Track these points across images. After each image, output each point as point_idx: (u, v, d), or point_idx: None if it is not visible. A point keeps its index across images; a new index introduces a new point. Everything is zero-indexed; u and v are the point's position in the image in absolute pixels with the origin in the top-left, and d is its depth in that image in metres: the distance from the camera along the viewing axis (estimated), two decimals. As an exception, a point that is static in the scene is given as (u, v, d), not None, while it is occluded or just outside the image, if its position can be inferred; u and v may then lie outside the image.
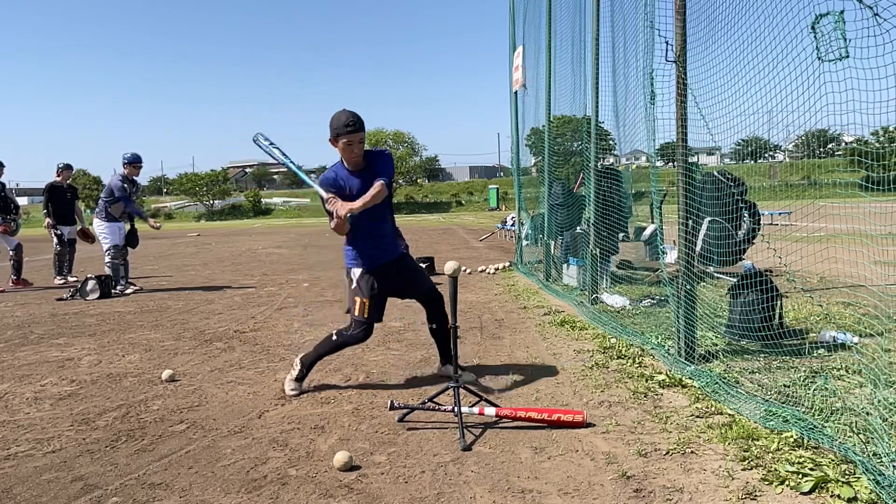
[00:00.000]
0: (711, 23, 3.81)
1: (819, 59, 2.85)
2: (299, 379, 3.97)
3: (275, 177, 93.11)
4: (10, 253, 9.66)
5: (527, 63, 8.85)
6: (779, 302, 4.45)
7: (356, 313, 3.89)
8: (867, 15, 2.55)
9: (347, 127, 3.67)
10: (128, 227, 9.03)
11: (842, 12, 2.78)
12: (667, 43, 4.23)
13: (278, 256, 15.18)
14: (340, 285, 9.20)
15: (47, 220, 9.96)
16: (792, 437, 2.83)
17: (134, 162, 8.89)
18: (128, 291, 8.87)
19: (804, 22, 2.96)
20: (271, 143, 4.04)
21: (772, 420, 3.02)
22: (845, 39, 2.75)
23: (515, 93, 9.81)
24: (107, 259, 8.77)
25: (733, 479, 2.58)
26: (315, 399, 3.87)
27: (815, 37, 2.87)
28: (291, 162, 4.03)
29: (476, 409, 3.37)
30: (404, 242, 9.05)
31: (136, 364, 4.87)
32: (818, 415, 3.03)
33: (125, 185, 8.77)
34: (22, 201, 10.28)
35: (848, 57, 2.73)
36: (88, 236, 10.30)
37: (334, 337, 3.95)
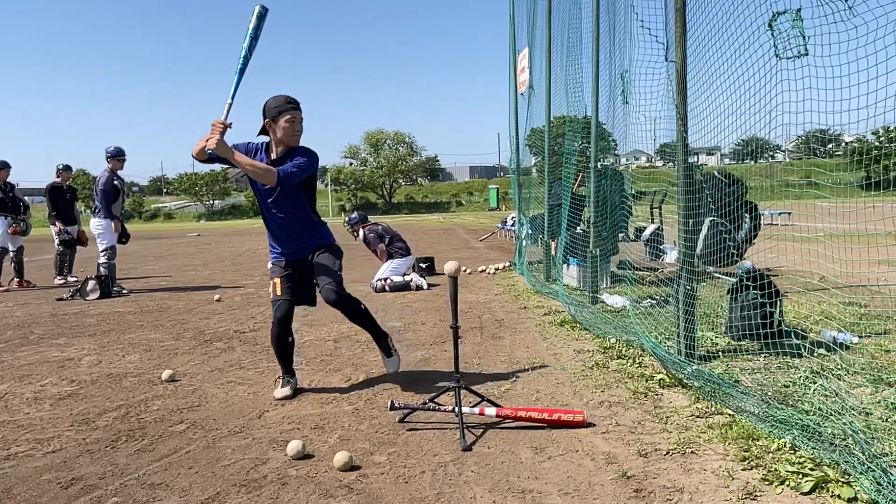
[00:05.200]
0: (709, 21, 3.81)
1: (777, 56, 2.86)
2: (285, 384, 3.95)
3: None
4: (11, 253, 9.66)
5: (533, 65, 8.84)
6: (779, 302, 4.45)
7: (271, 294, 4.02)
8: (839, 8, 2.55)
9: (290, 103, 3.80)
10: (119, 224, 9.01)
11: (799, 10, 2.79)
12: (665, 42, 4.23)
13: (278, 256, 15.16)
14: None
15: (58, 224, 9.96)
16: (789, 442, 2.82)
17: (117, 155, 8.85)
18: (124, 292, 8.85)
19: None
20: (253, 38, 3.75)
21: (770, 420, 3.01)
22: (804, 37, 2.76)
23: (520, 95, 9.80)
24: (103, 259, 8.71)
25: (733, 479, 2.58)
26: (315, 399, 3.87)
27: (772, 34, 2.88)
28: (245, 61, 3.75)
29: (476, 410, 3.37)
30: (404, 246, 9.07)
31: (136, 364, 4.87)
32: (817, 415, 3.03)
33: (115, 182, 8.75)
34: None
35: (807, 55, 2.73)
36: (82, 241, 10.34)
37: (272, 325, 3.97)
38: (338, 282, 3.90)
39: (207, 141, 3.59)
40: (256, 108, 3.91)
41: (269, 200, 3.89)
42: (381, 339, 4.19)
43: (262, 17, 3.78)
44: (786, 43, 2.83)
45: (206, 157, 3.69)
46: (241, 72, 3.73)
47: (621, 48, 5.39)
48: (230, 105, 3.67)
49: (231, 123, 3.64)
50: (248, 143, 3.94)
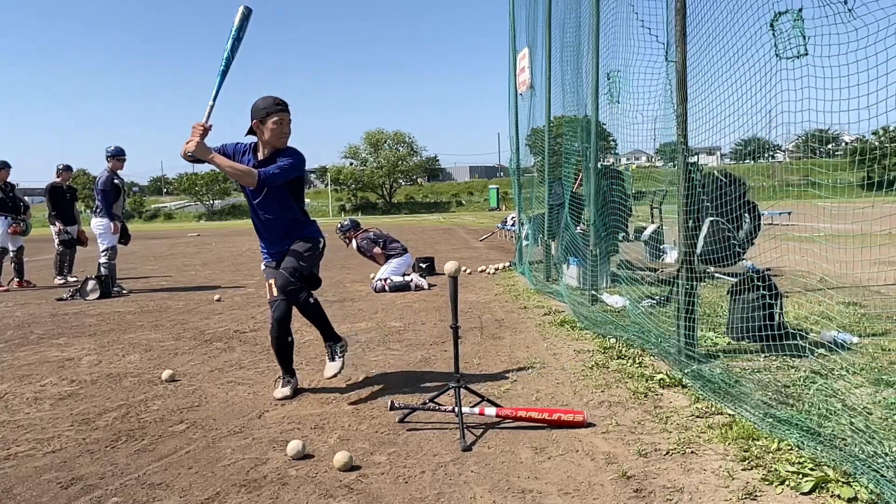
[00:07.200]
0: (709, 21, 3.81)
1: (777, 55, 2.87)
2: (285, 385, 3.96)
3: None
4: (11, 253, 9.66)
5: (534, 64, 8.84)
6: (779, 302, 4.45)
7: (267, 295, 3.99)
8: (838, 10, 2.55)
9: (278, 105, 3.77)
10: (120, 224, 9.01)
11: (800, 10, 2.79)
12: (665, 42, 4.23)
13: (278, 256, 15.15)
14: (339, 285, 9.21)
15: (58, 224, 9.95)
16: (789, 442, 2.82)
17: (118, 155, 8.86)
18: (124, 292, 8.85)
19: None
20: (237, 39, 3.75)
21: (770, 420, 3.01)
22: (804, 37, 2.76)
23: (520, 95, 9.79)
24: (103, 259, 8.70)
25: (733, 479, 2.58)
26: (315, 399, 3.87)
27: (773, 34, 2.88)
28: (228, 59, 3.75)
29: (476, 410, 3.37)
30: (399, 246, 9.08)
31: (136, 364, 4.87)
32: (817, 415, 3.03)
33: (116, 182, 8.76)
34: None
35: (807, 55, 2.74)
36: (82, 241, 10.34)
37: (270, 326, 3.96)
38: (294, 269, 3.82)
39: (187, 143, 3.59)
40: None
41: (256, 202, 3.88)
42: (329, 341, 4.05)
43: (245, 18, 3.77)
44: (786, 43, 2.84)
45: (190, 158, 3.70)
46: (224, 73, 3.72)
47: (610, 48, 5.44)
48: (212, 107, 3.66)
49: (211, 126, 3.63)
50: (237, 143, 3.94)
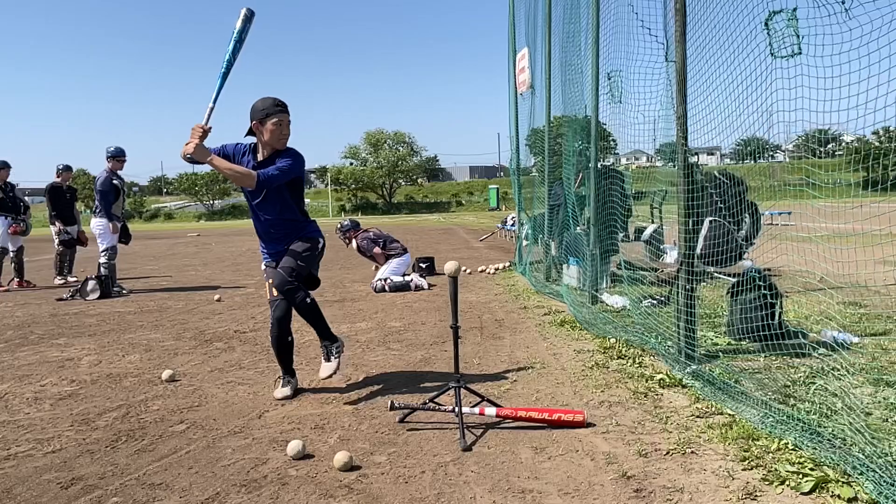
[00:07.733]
0: (709, 21, 3.81)
1: (772, 55, 2.87)
2: (285, 385, 3.96)
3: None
4: (11, 254, 9.65)
5: (534, 64, 8.83)
6: (779, 302, 4.45)
7: (267, 295, 4.01)
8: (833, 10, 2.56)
9: (277, 106, 3.77)
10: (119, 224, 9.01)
11: (794, 10, 2.80)
12: (665, 43, 4.24)
13: (278, 256, 15.14)
14: (339, 285, 9.21)
15: (58, 224, 9.95)
16: (789, 442, 2.82)
17: (118, 155, 8.86)
18: (124, 292, 8.85)
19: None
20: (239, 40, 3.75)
21: (770, 420, 3.01)
22: (798, 36, 2.77)
23: (520, 95, 9.79)
24: (103, 259, 8.70)
25: (733, 479, 2.58)
26: (315, 399, 3.87)
27: (768, 33, 2.89)
28: (230, 61, 3.74)
29: (476, 410, 3.37)
30: (400, 246, 9.09)
31: (136, 364, 4.87)
32: (817, 415, 3.03)
33: (115, 182, 8.76)
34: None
35: (800, 53, 2.74)
36: (82, 241, 10.34)
37: (270, 326, 3.98)
38: (292, 269, 3.81)
39: (187, 145, 3.59)
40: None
41: (256, 203, 3.88)
42: (325, 340, 4.01)
43: (248, 20, 3.76)
44: (780, 42, 2.85)
45: (190, 159, 3.69)
46: (225, 75, 3.71)
47: (609, 48, 5.45)
48: (212, 109, 3.66)
49: (211, 128, 3.62)
50: (237, 144, 3.94)
